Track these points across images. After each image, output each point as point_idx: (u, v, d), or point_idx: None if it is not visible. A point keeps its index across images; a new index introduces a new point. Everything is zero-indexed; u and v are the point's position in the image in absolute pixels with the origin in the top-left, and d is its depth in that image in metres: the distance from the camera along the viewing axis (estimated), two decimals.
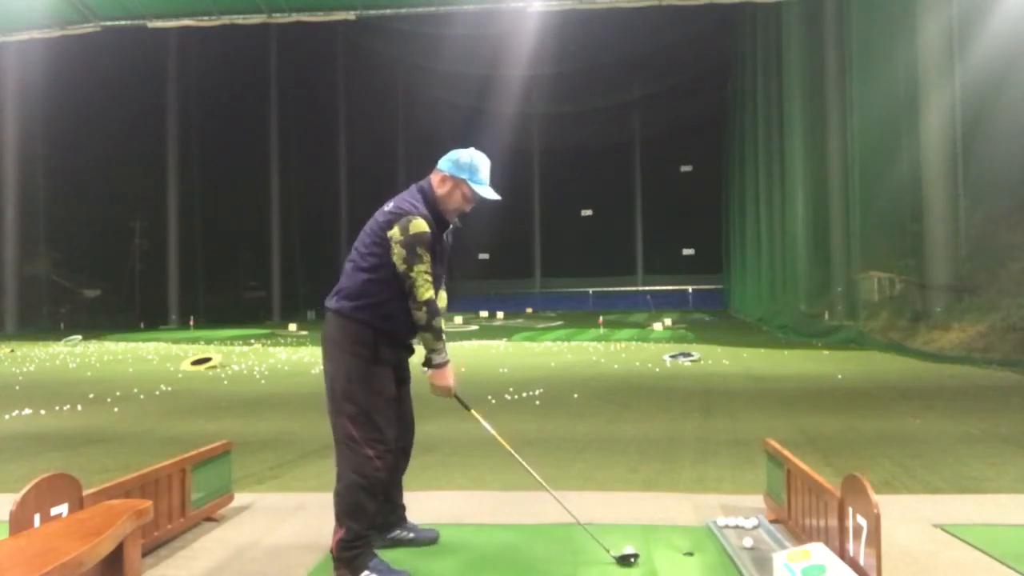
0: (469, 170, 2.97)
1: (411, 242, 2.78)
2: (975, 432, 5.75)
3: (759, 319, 26.02)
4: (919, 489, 4.09)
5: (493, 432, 3.14)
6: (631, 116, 51.25)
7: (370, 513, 2.80)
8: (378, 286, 2.86)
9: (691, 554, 3.03)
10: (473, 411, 3.12)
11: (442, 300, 3.12)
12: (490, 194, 3.02)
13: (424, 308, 2.81)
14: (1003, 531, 3.28)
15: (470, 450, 5.21)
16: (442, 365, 2.93)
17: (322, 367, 2.98)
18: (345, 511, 2.77)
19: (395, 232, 2.80)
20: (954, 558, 2.95)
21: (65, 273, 30.69)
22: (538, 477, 3.21)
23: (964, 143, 13.08)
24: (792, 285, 21.28)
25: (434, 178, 3.01)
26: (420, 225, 2.80)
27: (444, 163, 3.00)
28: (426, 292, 2.81)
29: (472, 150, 3.03)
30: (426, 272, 2.81)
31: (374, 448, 2.78)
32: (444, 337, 2.94)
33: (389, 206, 2.93)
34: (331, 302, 2.95)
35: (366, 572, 2.75)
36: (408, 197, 2.96)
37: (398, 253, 2.79)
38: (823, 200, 18.40)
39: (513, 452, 3.17)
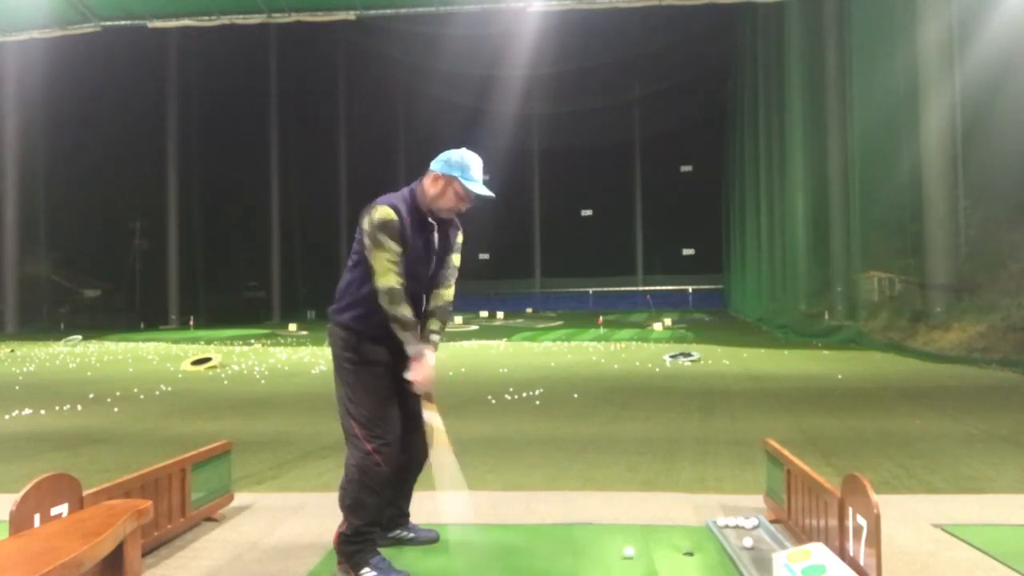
0: (460, 168, 2.97)
1: (375, 230, 2.79)
2: (975, 432, 5.74)
3: (759, 319, 26.03)
4: (919, 489, 4.09)
5: (441, 426, 2.94)
6: (631, 116, 51.33)
7: (370, 509, 2.81)
8: (356, 284, 2.91)
9: (691, 554, 3.03)
10: (432, 404, 2.96)
11: (441, 297, 3.08)
12: (483, 191, 3.01)
13: (385, 296, 2.78)
14: (1003, 531, 3.28)
15: (470, 450, 5.21)
16: (416, 357, 2.86)
17: (324, 368, 3.01)
18: (347, 505, 2.81)
19: (364, 222, 2.85)
20: (954, 558, 2.95)
21: (65, 273, 30.70)
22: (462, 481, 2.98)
23: (964, 143, 13.08)
24: (792, 285, 21.29)
25: (426, 179, 3.02)
26: (385, 212, 2.81)
27: (435, 163, 3.02)
28: (384, 278, 2.77)
29: (463, 149, 3.04)
30: (389, 260, 2.79)
31: (373, 443, 2.80)
32: (415, 328, 2.86)
33: None
34: (329, 308, 3.05)
35: (367, 568, 2.76)
36: (392, 193, 3.00)
37: (366, 243, 2.83)
38: (823, 200, 18.41)
39: (453, 452, 2.95)
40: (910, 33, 13.77)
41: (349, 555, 2.79)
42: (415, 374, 2.87)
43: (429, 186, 3.00)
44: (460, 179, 2.96)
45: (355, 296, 2.91)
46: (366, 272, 2.86)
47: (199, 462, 3.50)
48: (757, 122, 27.53)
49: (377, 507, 2.86)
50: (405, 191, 3.02)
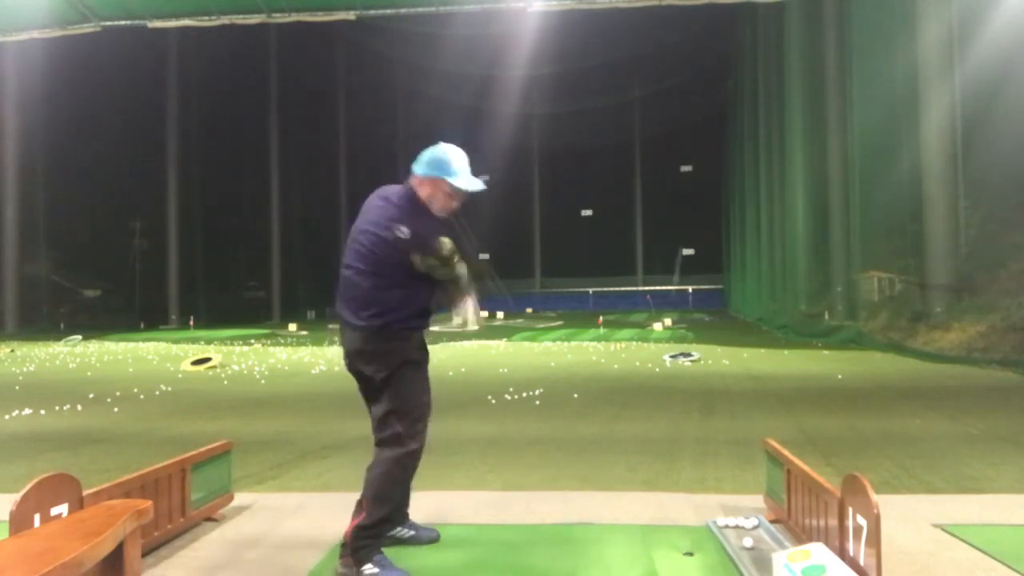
0: (442, 166, 2.91)
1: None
2: (975, 432, 5.74)
3: (759, 319, 26.02)
4: (919, 489, 4.09)
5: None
6: (631, 116, 51.24)
7: (396, 500, 2.92)
8: (383, 288, 2.91)
9: (691, 554, 3.03)
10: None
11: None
12: (471, 184, 2.94)
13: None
14: (1003, 531, 3.28)
15: (470, 450, 5.21)
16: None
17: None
18: (373, 495, 2.83)
19: (401, 233, 2.91)
20: (954, 558, 2.95)
21: (65, 273, 30.68)
22: None
23: (964, 143, 13.07)
24: (792, 285, 21.27)
25: (412, 183, 2.95)
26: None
27: (417, 166, 2.94)
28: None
29: (442, 144, 2.97)
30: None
31: (416, 439, 2.89)
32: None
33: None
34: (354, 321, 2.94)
35: (369, 565, 2.76)
36: (395, 194, 3.01)
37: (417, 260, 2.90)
38: (823, 200, 18.40)
39: None
40: (910, 33, 13.76)
41: (357, 549, 2.79)
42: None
43: (416, 190, 2.93)
44: (445, 178, 2.91)
45: (385, 300, 2.84)
46: (392, 277, 2.84)
47: (199, 462, 3.50)
48: (757, 122, 27.50)
49: (401, 497, 2.98)
50: (404, 200, 2.92)
